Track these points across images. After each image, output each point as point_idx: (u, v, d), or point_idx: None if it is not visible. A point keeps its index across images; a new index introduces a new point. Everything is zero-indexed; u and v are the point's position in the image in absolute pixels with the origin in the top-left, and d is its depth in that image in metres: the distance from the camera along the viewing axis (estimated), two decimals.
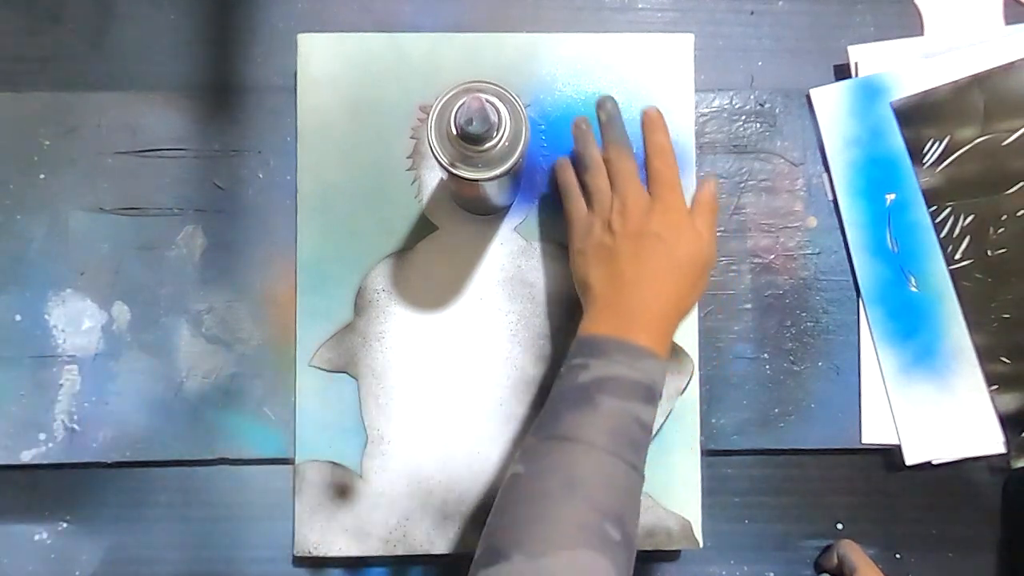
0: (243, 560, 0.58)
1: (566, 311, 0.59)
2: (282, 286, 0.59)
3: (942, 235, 0.60)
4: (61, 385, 0.58)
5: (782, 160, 0.61)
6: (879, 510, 0.60)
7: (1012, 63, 0.60)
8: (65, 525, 0.58)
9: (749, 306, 0.60)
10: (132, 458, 0.58)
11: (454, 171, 0.47)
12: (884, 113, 0.60)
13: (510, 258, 0.59)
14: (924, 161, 0.60)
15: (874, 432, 0.59)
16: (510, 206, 0.59)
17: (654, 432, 0.57)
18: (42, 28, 0.60)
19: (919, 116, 0.60)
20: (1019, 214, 0.60)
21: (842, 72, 0.61)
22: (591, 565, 0.42)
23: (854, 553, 0.57)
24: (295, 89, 0.59)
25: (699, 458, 0.58)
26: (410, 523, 0.57)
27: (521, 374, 0.58)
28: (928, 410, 0.59)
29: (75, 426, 0.58)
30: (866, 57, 0.61)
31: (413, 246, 0.59)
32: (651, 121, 0.53)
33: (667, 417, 0.58)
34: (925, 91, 0.60)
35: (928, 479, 0.60)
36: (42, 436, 0.58)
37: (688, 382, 0.58)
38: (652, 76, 0.60)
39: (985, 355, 0.59)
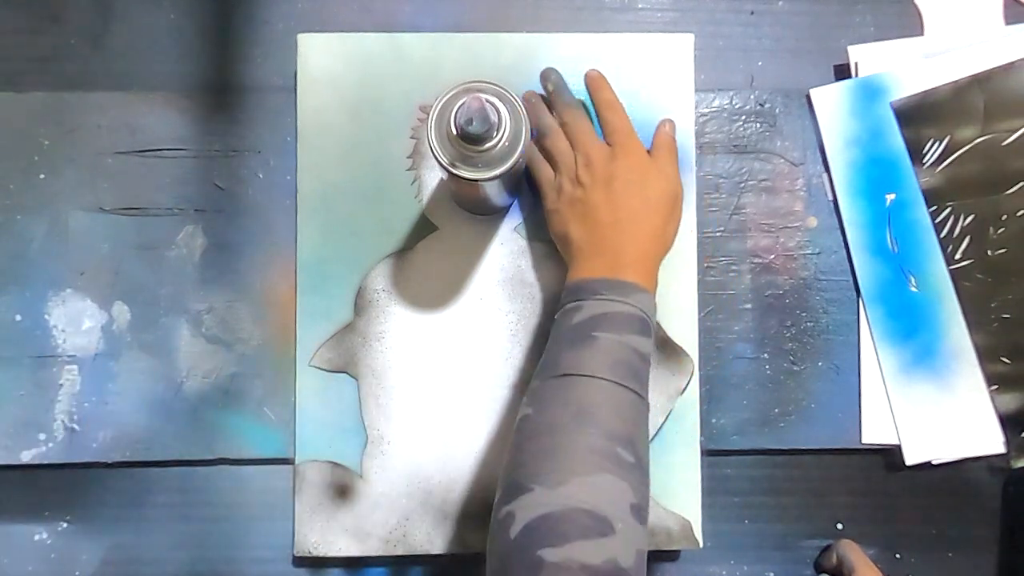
0: (243, 560, 0.58)
1: None
2: (282, 286, 0.59)
3: (942, 235, 0.60)
4: (61, 385, 0.58)
5: (782, 160, 0.61)
6: (879, 510, 0.60)
7: (1012, 63, 0.60)
8: (65, 525, 0.58)
9: (749, 306, 0.60)
10: (132, 458, 0.58)
11: (454, 171, 0.47)
12: (884, 113, 0.60)
13: (510, 258, 0.59)
14: (924, 161, 0.60)
15: (874, 432, 0.59)
16: (510, 206, 0.59)
17: (654, 432, 0.58)
18: (42, 28, 0.60)
19: (919, 116, 0.60)
20: (1019, 214, 0.60)
21: (842, 72, 0.61)
22: (610, 487, 0.43)
23: (854, 553, 0.57)
24: (295, 89, 0.59)
25: (699, 458, 0.58)
26: (410, 523, 0.57)
27: (521, 374, 0.58)
28: (928, 410, 0.59)
29: (75, 426, 0.58)
30: (866, 57, 0.61)
31: (413, 246, 0.59)
32: (594, 80, 0.57)
33: (667, 417, 0.58)
34: (925, 91, 0.60)
35: (928, 479, 0.60)
36: (42, 436, 0.58)
37: (688, 382, 0.58)
38: (652, 76, 0.60)
39: (985, 355, 0.59)
